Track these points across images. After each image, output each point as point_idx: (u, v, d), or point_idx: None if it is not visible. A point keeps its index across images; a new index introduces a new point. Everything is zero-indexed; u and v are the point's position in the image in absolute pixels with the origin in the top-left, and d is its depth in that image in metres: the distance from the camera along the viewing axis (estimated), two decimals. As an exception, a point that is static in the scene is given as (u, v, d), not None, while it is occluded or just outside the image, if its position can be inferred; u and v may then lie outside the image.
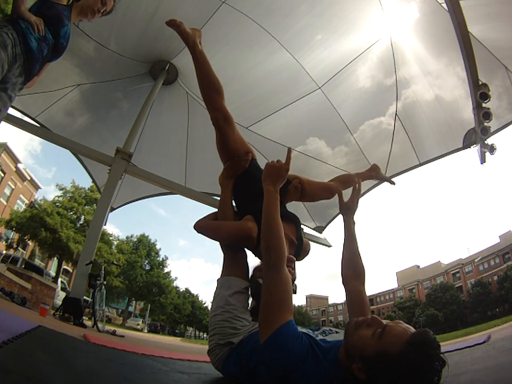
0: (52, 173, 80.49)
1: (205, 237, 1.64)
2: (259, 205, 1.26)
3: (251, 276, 1.50)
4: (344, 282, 1.38)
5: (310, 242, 1.84)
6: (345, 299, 1.38)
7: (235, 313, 1.29)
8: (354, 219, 1.52)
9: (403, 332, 0.85)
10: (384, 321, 0.93)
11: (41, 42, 1.72)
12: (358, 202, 1.54)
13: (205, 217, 1.74)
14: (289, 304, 1.03)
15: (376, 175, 2.33)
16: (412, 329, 0.87)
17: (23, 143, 78.44)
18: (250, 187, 1.68)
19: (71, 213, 17.38)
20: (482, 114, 3.56)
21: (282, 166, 1.27)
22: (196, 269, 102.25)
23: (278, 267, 1.06)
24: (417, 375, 0.79)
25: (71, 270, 23.16)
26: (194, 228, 1.64)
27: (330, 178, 2.14)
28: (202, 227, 1.65)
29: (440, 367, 0.81)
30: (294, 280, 1.44)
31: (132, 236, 29.08)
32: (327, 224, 6.24)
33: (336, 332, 1.17)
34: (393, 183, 2.43)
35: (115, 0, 1.99)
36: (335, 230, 6.16)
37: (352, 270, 1.37)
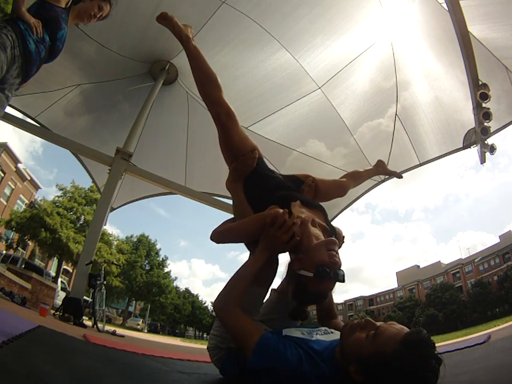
0: (53, 175, 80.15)
1: (210, 241, 1.45)
2: (279, 193, 1.32)
3: (288, 271, 1.31)
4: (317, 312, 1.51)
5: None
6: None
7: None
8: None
9: (396, 332, 0.86)
10: (378, 323, 0.93)
11: (39, 44, 1.72)
12: None
13: (220, 225, 1.57)
14: (249, 327, 1.07)
15: (383, 170, 2.33)
16: (406, 330, 0.87)
17: (24, 144, 78.37)
18: (263, 186, 1.53)
19: (71, 213, 17.39)
20: (482, 114, 3.56)
21: (282, 237, 1.18)
22: (196, 269, 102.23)
23: (230, 306, 1.13)
24: (412, 374, 0.79)
25: (71, 270, 23.14)
26: (211, 238, 1.45)
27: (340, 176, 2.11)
28: (222, 232, 1.48)
29: (436, 366, 0.81)
30: (340, 265, 1.22)
31: (131, 236, 29.15)
32: (327, 224, 6.24)
33: (331, 332, 1.18)
34: (400, 176, 2.43)
35: (111, 5, 2.01)
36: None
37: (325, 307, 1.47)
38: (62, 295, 10.54)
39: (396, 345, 0.82)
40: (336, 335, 1.14)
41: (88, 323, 4.22)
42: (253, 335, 1.03)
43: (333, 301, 1.48)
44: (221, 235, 1.46)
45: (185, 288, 38.97)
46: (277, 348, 0.97)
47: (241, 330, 1.07)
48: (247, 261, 1.26)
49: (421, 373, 0.79)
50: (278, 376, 0.94)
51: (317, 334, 1.14)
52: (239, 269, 1.22)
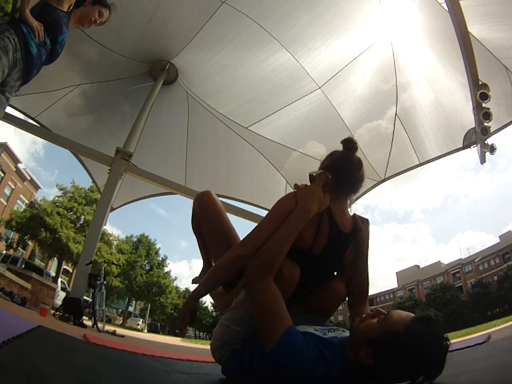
0: (54, 176, 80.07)
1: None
2: None
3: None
4: (349, 295, 1.31)
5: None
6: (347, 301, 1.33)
7: (245, 322, 1.20)
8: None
9: (406, 314, 0.91)
10: None
11: (41, 48, 1.73)
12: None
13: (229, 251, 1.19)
14: (283, 310, 1.00)
15: None
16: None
17: (25, 145, 78.32)
18: None
19: (71, 213, 17.41)
20: (482, 114, 3.55)
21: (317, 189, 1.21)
22: (197, 269, 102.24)
23: (267, 274, 1.03)
24: (424, 352, 0.80)
25: (71, 270, 23.16)
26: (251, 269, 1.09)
27: None
28: (252, 239, 1.14)
29: (446, 343, 0.82)
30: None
31: (131, 236, 29.17)
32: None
33: (343, 331, 1.17)
34: None
35: (111, 11, 2.05)
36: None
37: (358, 290, 1.30)
38: (62, 295, 10.54)
39: (407, 323, 0.84)
40: (344, 333, 1.13)
41: (88, 323, 4.21)
42: (283, 322, 0.96)
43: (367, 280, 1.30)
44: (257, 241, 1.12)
45: (185, 288, 38.96)
46: (301, 347, 0.93)
47: (274, 311, 0.98)
48: (286, 226, 1.11)
49: (433, 349, 0.81)
50: (290, 374, 0.92)
51: (329, 332, 1.12)
52: (279, 235, 1.09)
